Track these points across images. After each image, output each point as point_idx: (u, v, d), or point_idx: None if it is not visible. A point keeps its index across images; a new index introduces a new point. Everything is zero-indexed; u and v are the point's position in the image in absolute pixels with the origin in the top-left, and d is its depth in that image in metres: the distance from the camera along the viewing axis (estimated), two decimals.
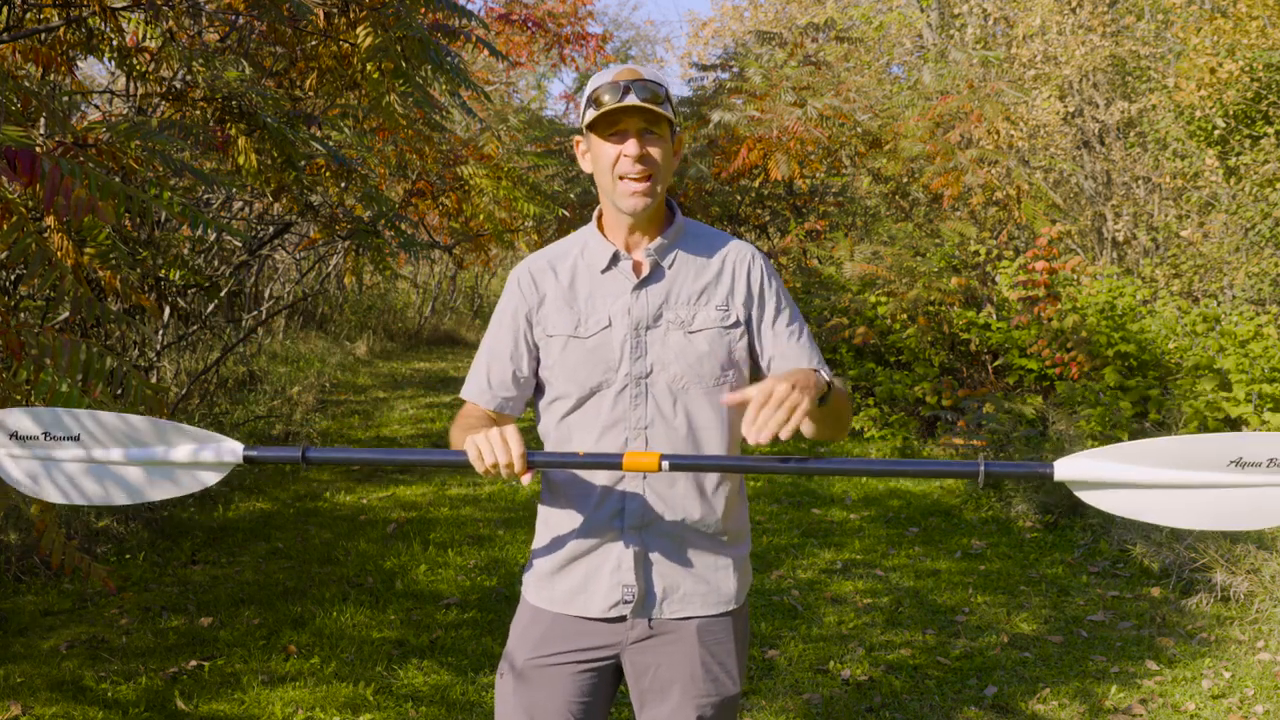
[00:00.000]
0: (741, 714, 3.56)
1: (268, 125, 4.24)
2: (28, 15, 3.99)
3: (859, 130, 8.78)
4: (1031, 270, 7.70)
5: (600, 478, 1.88)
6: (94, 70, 10.38)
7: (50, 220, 3.09)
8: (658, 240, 1.92)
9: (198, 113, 4.29)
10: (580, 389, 1.89)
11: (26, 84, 3.83)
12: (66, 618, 4.26)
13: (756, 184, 9.60)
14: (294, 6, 4.24)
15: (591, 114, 1.84)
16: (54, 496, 1.90)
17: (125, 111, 5.25)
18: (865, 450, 7.83)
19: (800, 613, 4.55)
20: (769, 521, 5.98)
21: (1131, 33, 11.81)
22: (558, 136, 10.12)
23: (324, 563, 5.09)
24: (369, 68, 4.34)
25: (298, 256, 10.28)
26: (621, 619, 1.90)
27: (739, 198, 9.93)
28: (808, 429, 1.87)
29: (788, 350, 1.92)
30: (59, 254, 2.98)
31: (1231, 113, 8.88)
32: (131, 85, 4.77)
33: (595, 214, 1.97)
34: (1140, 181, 11.58)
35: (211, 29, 4.87)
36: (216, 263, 7.60)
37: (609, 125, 1.85)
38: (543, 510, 1.99)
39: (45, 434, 1.88)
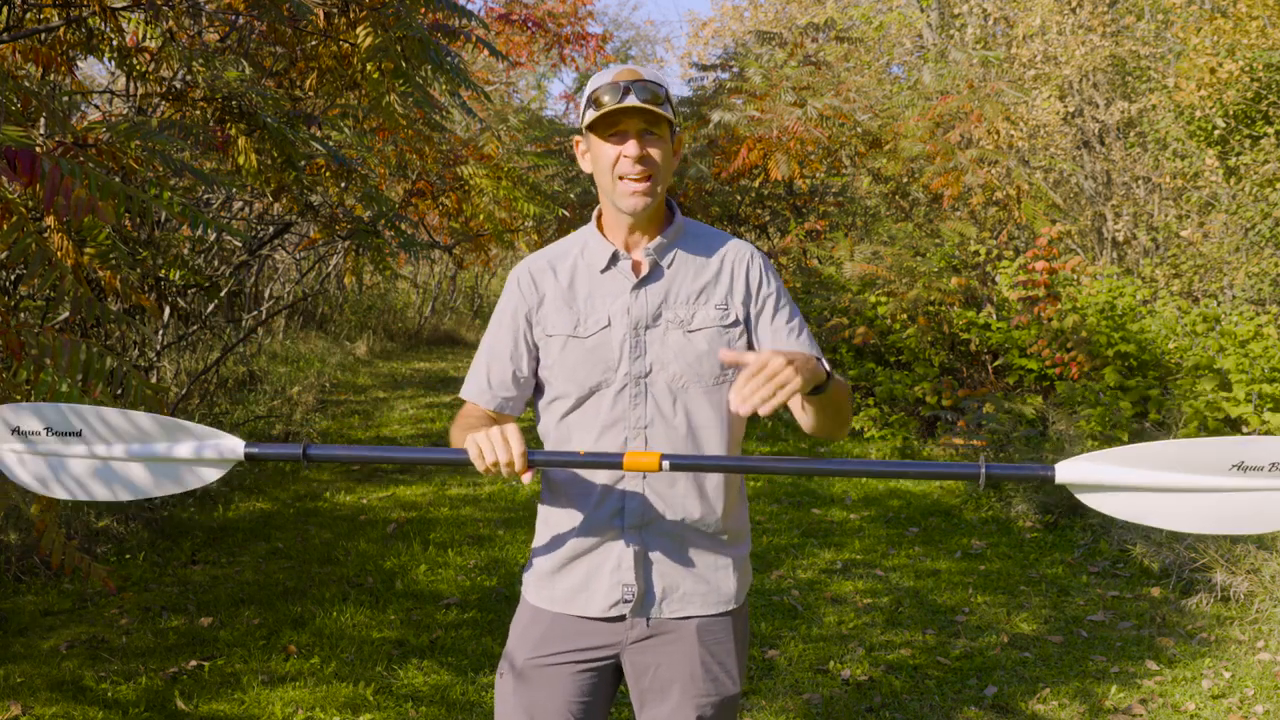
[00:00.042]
0: (741, 714, 3.56)
1: (268, 125, 4.24)
2: (28, 15, 3.99)
3: (859, 130, 8.78)
4: (1031, 270, 7.70)
5: (600, 477, 1.88)
6: (94, 70, 10.38)
7: (50, 220, 3.09)
8: (657, 240, 1.92)
9: (198, 113, 4.29)
10: (580, 388, 1.90)
11: (26, 84, 3.83)
12: (66, 618, 4.26)
13: (756, 184, 9.60)
14: (294, 6, 4.24)
15: (591, 114, 1.84)
16: (57, 492, 1.90)
17: (125, 111, 5.25)
18: (865, 450, 7.83)
19: (800, 613, 4.55)
20: (769, 521, 5.98)
21: (1131, 33, 11.81)
22: (558, 136, 10.12)
23: (324, 563, 5.09)
24: (369, 68, 4.34)
25: (298, 256, 10.28)
26: (621, 618, 1.90)
27: (739, 198, 9.93)
28: (805, 421, 1.87)
29: (788, 348, 1.92)
30: (59, 254, 2.98)
31: (1231, 113, 8.88)
32: (131, 85, 4.77)
33: (595, 214, 1.97)
34: (1140, 181, 11.59)
35: (211, 29, 4.87)
36: (216, 263, 7.61)
37: (609, 126, 1.85)
38: (543, 510, 1.99)
39: (48, 429, 1.88)
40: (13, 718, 3.41)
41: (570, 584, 1.92)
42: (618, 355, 1.88)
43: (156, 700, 3.57)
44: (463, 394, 2.00)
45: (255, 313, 9.73)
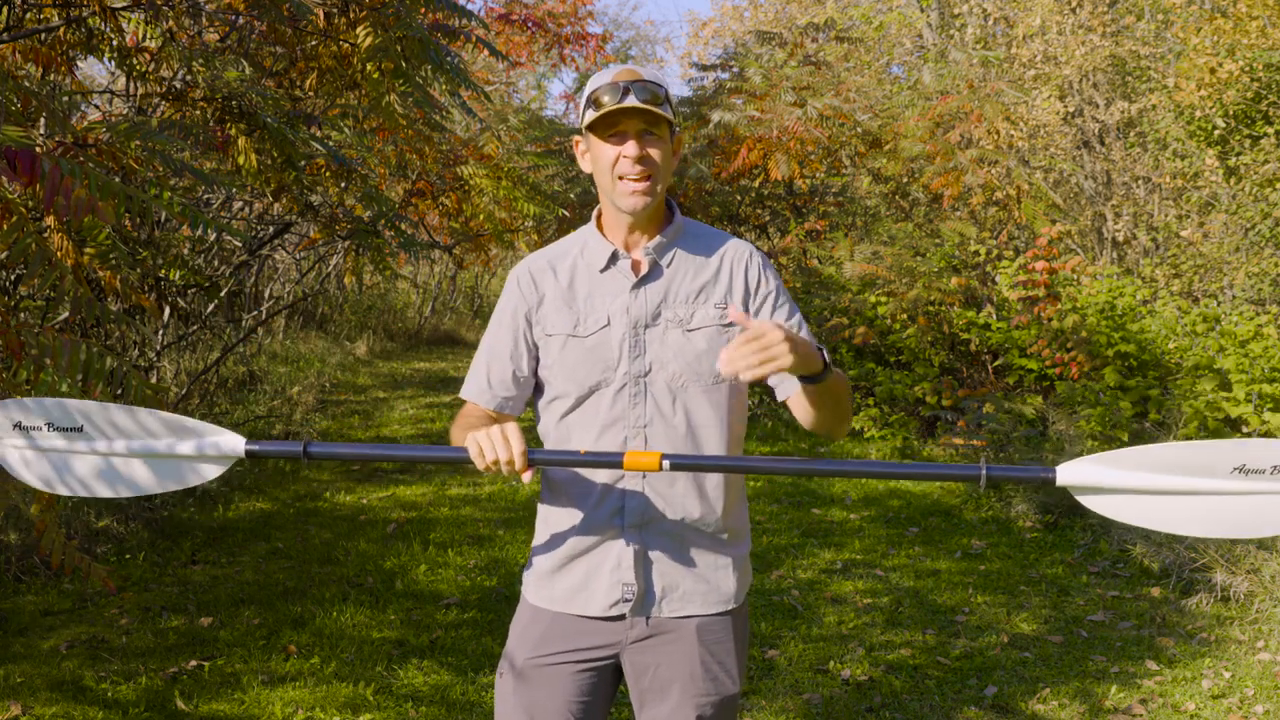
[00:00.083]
0: (741, 714, 3.56)
1: (268, 125, 4.24)
2: (28, 15, 3.99)
3: (859, 130, 8.78)
4: (1031, 270, 7.70)
5: (600, 476, 1.88)
6: (94, 70, 10.39)
7: (50, 220, 3.09)
8: (656, 239, 1.93)
9: (198, 113, 4.29)
10: (579, 388, 1.90)
11: (26, 84, 3.83)
12: (66, 618, 4.26)
13: (756, 184, 9.60)
14: (294, 6, 4.24)
15: (591, 115, 1.84)
16: (58, 488, 1.90)
17: (125, 111, 5.25)
18: (865, 450, 7.83)
19: (800, 613, 4.55)
20: (769, 521, 5.98)
21: (1131, 33, 11.81)
22: (558, 136, 10.12)
23: (324, 563, 5.09)
24: (369, 68, 4.34)
25: (298, 256, 10.28)
26: (621, 618, 1.90)
27: (739, 198, 9.93)
28: (804, 414, 1.87)
29: None
30: (59, 254, 2.98)
31: (1231, 113, 8.88)
32: (131, 85, 4.77)
33: (595, 213, 1.97)
34: (1140, 181, 11.59)
35: (211, 29, 4.87)
36: (216, 263, 7.61)
37: (608, 126, 1.85)
38: (542, 509, 1.99)
39: (49, 424, 1.88)
40: (13, 718, 3.41)
41: (570, 583, 1.92)
42: (617, 355, 1.89)
43: (156, 700, 3.57)
44: (463, 394, 2.00)
45: (255, 313, 9.73)
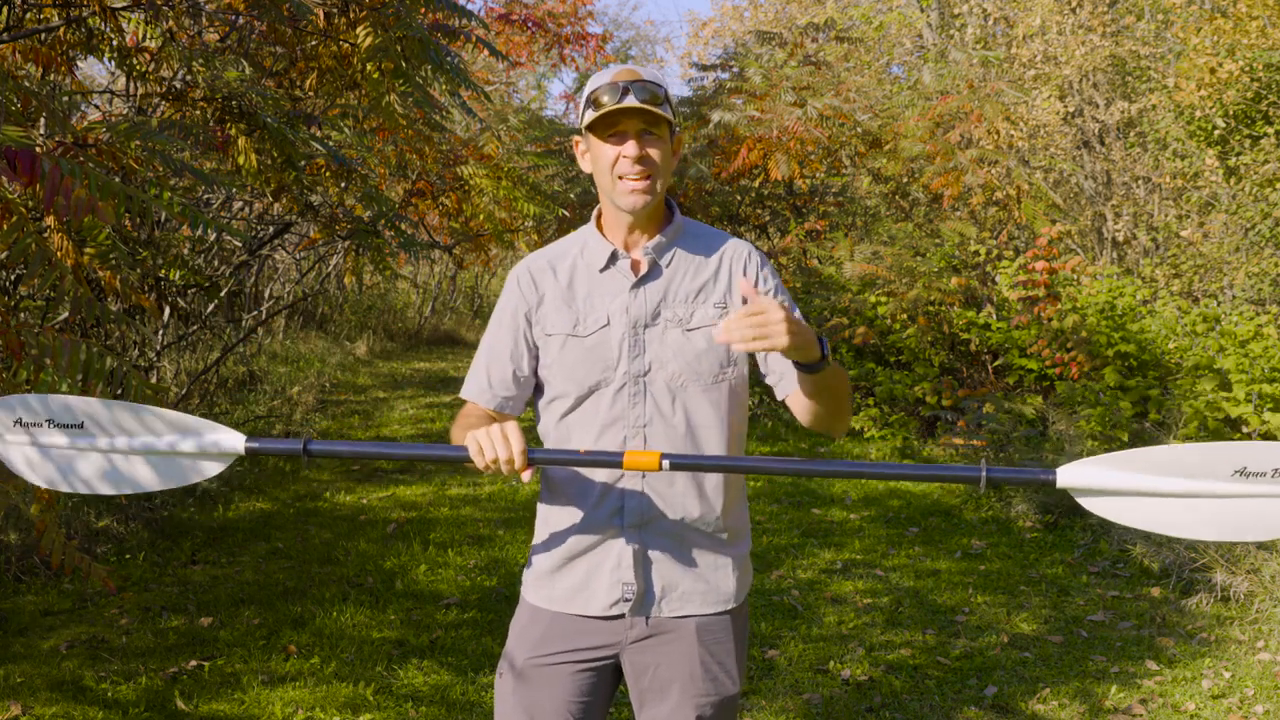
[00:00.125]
0: (741, 714, 3.56)
1: (268, 125, 4.24)
2: (28, 15, 4.00)
3: (859, 130, 8.78)
4: (1031, 270, 7.70)
5: (600, 476, 1.88)
6: (94, 70, 10.39)
7: (50, 220, 3.09)
8: (656, 239, 1.93)
9: (198, 113, 4.30)
10: (579, 388, 1.90)
11: (26, 84, 3.83)
12: (66, 618, 4.26)
13: (756, 184, 9.60)
14: (294, 6, 4.24)
15: (590, 115, 1.84)
16: (59, 485, 1.90)
17: (125, 111, 5.25)
18: (865, 450, 7.83)
19: (800, 613, 4.55)
20: (769, 521, 5.98)
21: (1131, 33, 11.81)
22: (558, 136, 10.12)
23: (324, 563, 5.09)
24: (369, 68, 4.34)
25: (298, 256, 10.28)
26: (620, 617, 1.90)
27: (739, 198, 9.93)
28: (802, 407, 1.87)
29: None
30: (59, 254, 2.98)
31: (1231, 113, 8.88)
32: (131, 85, 4.77)
33: (595, 213, 1.97)
34: (1140, 181, 11.59)
35: (211, 29, 4.87)
36: (216, 263, 7.61)
37: (608, 126, 1.85)
38: (542, 509, 1.99)
39: (50, 421, 1.88)
40: (13, 718, 3.41)
41: (570, 583, 1.92)
42: (616, 354, 1.89)
43: (156, 700, 3.57)
44: (463, 394, 2.00)
45: (255, 313, 9.73)
